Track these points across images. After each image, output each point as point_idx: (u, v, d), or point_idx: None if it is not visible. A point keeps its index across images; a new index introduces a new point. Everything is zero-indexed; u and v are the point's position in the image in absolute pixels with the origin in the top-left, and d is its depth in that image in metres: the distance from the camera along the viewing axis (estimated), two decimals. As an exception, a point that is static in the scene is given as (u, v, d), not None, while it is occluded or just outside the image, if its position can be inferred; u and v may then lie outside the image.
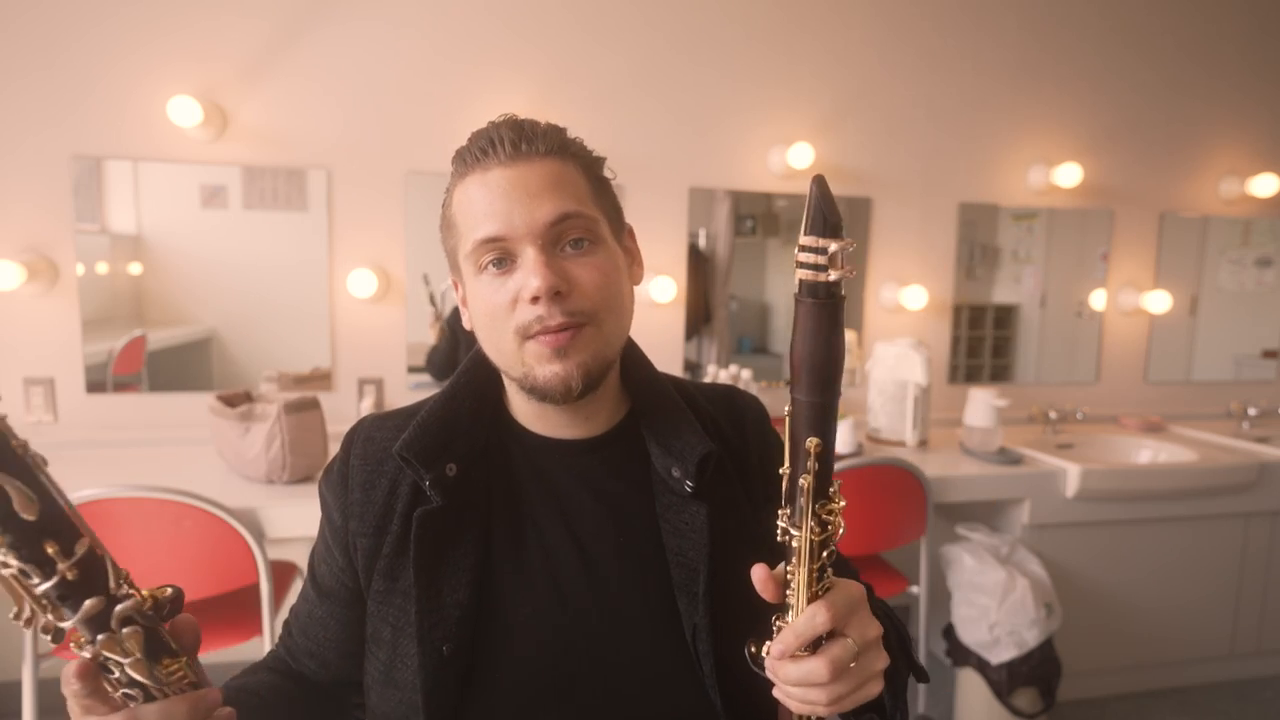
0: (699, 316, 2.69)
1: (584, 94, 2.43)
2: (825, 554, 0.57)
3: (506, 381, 0.79)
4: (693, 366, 2.70)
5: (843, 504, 0.57)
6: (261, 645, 1.73)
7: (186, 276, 2.27)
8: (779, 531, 0.59)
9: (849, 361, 2.61)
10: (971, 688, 2.18)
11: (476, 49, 2.35)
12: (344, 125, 2.30)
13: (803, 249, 0.49)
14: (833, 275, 0.49)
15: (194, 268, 2.27)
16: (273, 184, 2.28)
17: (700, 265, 2.66)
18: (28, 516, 0.43)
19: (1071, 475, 2.25)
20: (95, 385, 2.22)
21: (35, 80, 2.10)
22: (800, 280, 0.50)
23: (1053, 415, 2.74)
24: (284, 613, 1.56)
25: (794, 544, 0.57)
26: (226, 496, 1.68)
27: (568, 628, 0.73)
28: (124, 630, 0.48)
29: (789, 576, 0.59)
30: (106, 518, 1.56)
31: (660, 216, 2.53)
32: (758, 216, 2.76)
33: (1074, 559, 2.33)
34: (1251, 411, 2.92)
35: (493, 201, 0.69)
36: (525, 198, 0.69)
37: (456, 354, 2.43)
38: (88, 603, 0.46)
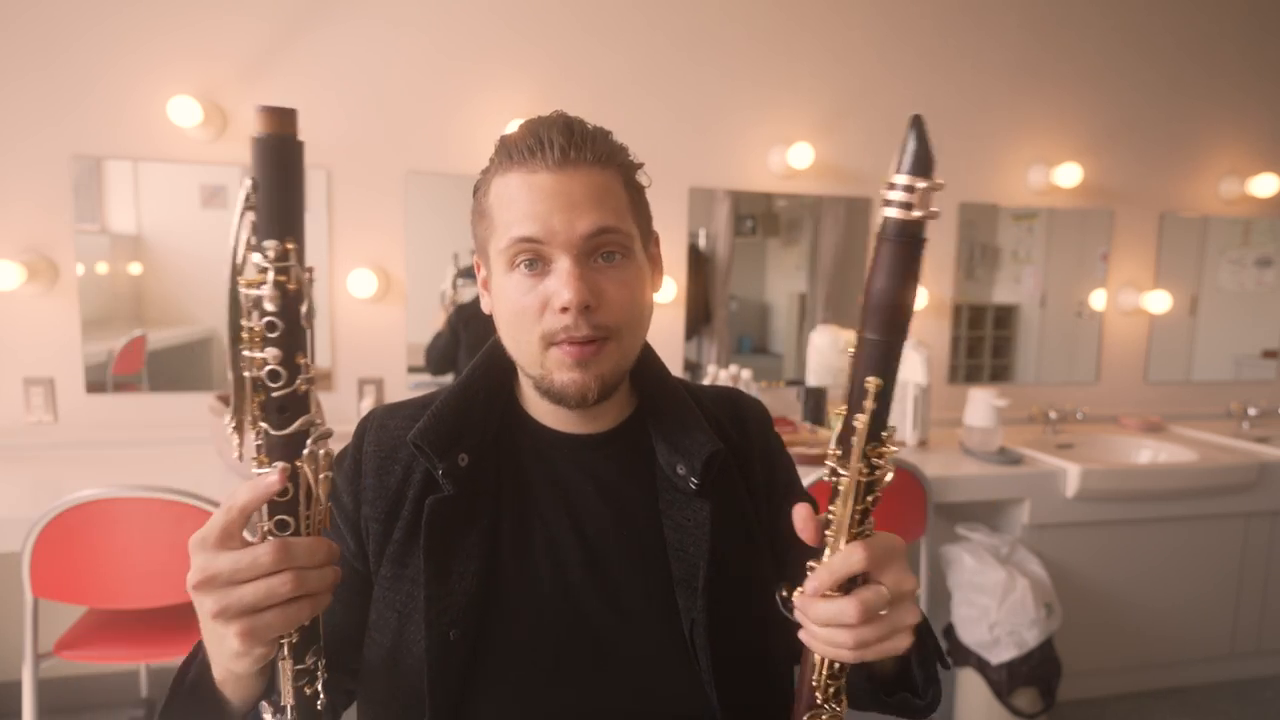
0: (699, 316, 2.69)
1: (584, 93, 2.43)
2: (870, 498, 0.56)
3: (521, 375, 0.80)
4: (693, 366, 2.70)
5: (895, 450, 0.56)
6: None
7: (186, 276, 2.27)
8: (827, 471, 0.58)
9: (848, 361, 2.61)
10: (971, 688, 2.18)
11: (476, 49, 2.35)
12: (344, 125, 2.30)
13: (892, 186, 0.49)
14: (918, 214, 0.49)
15: (194, 268, 2.27)
16: (273, 184, 2.28)
17: (700, 265, 2.66)
18: (304, 325, 0.53)
19: (1071, 475, 2.25)
20: (95, 385, 2.22)
21: (35, 80, 2.10)
22: (886, 218, 0.50)
23: (1053, 415, 2.74)
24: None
25: (840, 484, 0.56)
26: (226, 496, 1.67)
27: (570, 617, 0.74)
28: (321, 453, 0.54)
29: (830, 517, 0.58)
30: (106, 518, 1.56)
31: (660, 216, 2.50)
32: (758, 216, 2.76)
33: (1074, 559, 2.33)
34: (1251, 411, 2.92)
35: (534, 203, 0.70)
36: (567, 206, 0.70)
37: (455, 350, 2.43)
38: (303, 418, 0.53)
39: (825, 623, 0.58)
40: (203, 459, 2.06)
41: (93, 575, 1.59)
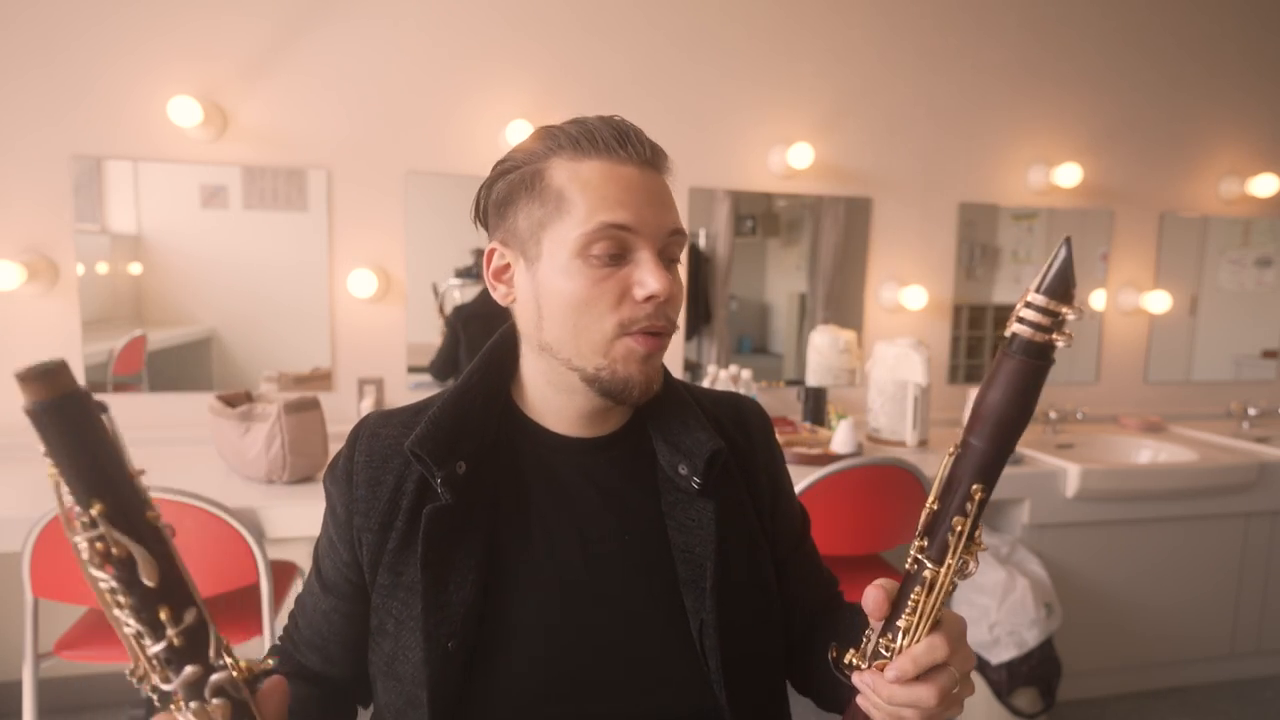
0: (699, 316, 2.69)
1: (584, 93, 2.43)
2: (951, 590, 0.59)
3: (529, 378, 0.79)
4: (693, 366, 2.70)
5: (984, 548, 0.59)
6: (262, 645, 1.73)
7: (186, 276, 2.27)
8: (909, 561, 0.59)
9: (849, 362, 2.61)
10: (971, 688, 2.18)
11: (477, 48, 2.35)
12: (344, 125, 2.30)
13: (1029, 306, 0.49)
14: (1058, 340, 0.50)
15: (194, 268, 2.27)
16: (273, 184, 2.28)
17: (700, 265, 2.66)
18: (149, 582, 0.47)
19: (1071, 475, 2.25)
20: (95, 385, 2.22)
21: (35, 80, 2.10)
22: (1015, 334, 0.50)
23: (1053, 415, 2.74)
24: (284, 612, 1.56)
25: (925, 574, 0.58)
26: (226, 496, 1.67)
27: (572, 624, 0.74)
28: (214, 701, 0.51)
29: (911, 602, 0.59)
30: (106, 518, 1.56)
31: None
32: (758, 216, 2.76)
33: (1074, 559, 2.33)
34: (1251, 411, 2.92)
35: (627, 193, 0.71)
36: (656, 203, 0.72)
37: (456, 352, 2.43)
38: (187, 670, 0.49)
39: (902, 704, 0.60)
40: (203, 459, 2.06)
41: (93, 575, 1.59)
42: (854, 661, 0.63)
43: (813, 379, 2.63)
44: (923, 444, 2.43)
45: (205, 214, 2.25)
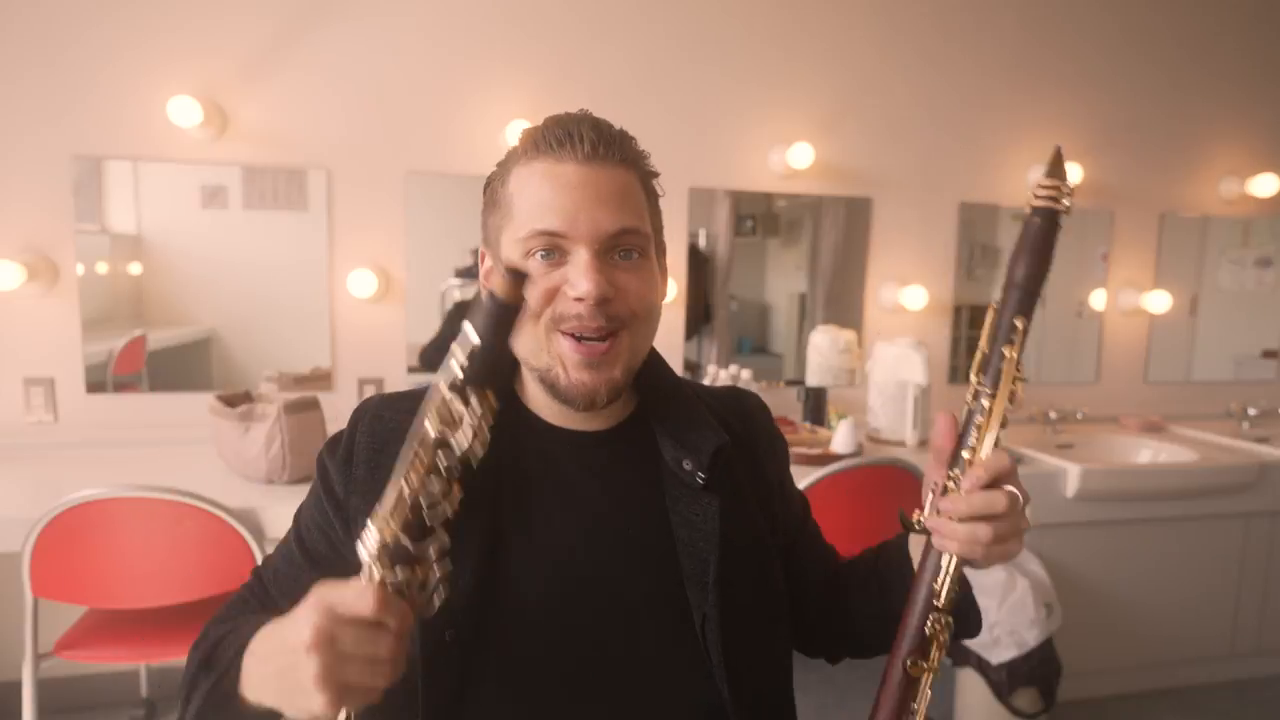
0: (699, 316, 2.69)
1: (584, 93, 2.43)
2: (1005, 422, 0.68)
3: (525, 370, 0.79)
4: (693, 366, 2.70)
5: (1026, 379, 0.68)
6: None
7: (186, 276, 2.27)
8: (969, 396, 0.68)
9: (849, 362, 2.61)
10: (971, 688, 2.18)
11: (477, 48, 2.35)
12: (344, 125, 2.30)
13: (1044, 186, 0.66)
14: (1064, 203, 0.66)
15: (194, 268, 2.27)
16: (273, 184, 2.28)
17: (700, 265, 2.66)
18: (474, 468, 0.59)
19: (1071, 475, 2.25)
20: (95, 385, 2.22)
21: (35, 80, 2.10)
22: (1036, 206, 0.66)
23: (1053, 415, 2.74)
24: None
25: (984, 401, 0.68)
26: (226, 496, 1.67)
27: (574, 616, 0.74)
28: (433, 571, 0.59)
29: (974, 432, 0.68)
30: (106, 518, 1.57)
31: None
32: (758, 216, 2.76)
33: (1074, 559, 2.33)
34: (1251, 411, 2.92)
35: (558, 196, 0.70)
36: (594, 202, 0.70)
37: (450, 345, 2.42)
38: (437, 544, 0.59)
39: (976, 513, 0.66)
40: (203, 459, 2.06)
41: (93, 575, 1.59)
42: (922, 515, 0.71)
43: (813, 379, 2.63)
44: (923, 444, 2.43)
45: (205, 214, 2.25)
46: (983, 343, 0.68)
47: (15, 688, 1.71)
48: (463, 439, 0.56)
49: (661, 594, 0.75)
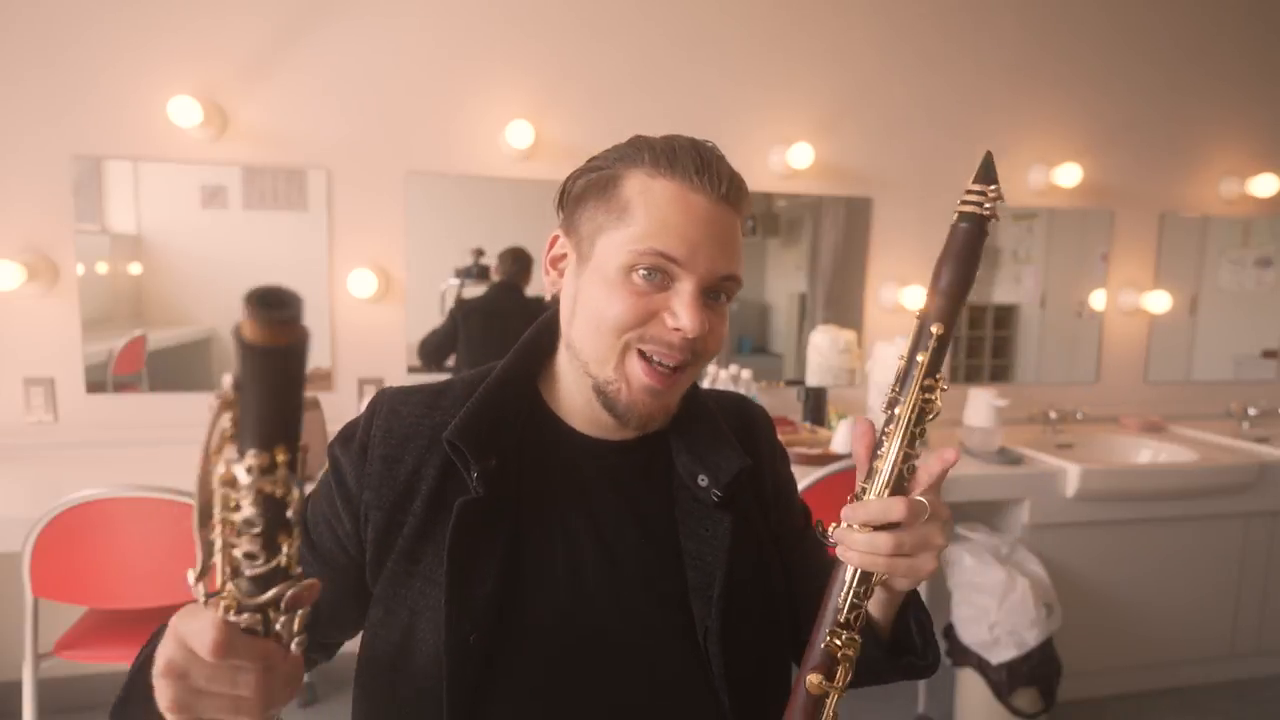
0: (699, 316, 2.68)
1: (584, 94, 2.43)
2: (919, 429, 0.66)
3: (561, 373, 0.79)
4: (693, 366, 2.69)
5: (945, 389, 0.67)
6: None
7: (186, 276, 2.27)
8: (884, 405, 0.67)
9: (849, 362, 2.61)
10: (971, 688, 2.18)
11: (477, 49, 2.35)
12: (344, 125, 2.30)
13: (971, 191, 0.66)
14: (989, 208, 0.66)
15: (194, 268, 2.27)
16: (273, 184, 2.28)
17: (700, 265, 2.65)
18: (293, 518, 0.49)
19: (1071, 475, 2.25)
20: (95, 385, 2.22)
21: (35, 80, 2.10)
22: (963, 211, 0.66)
23: (1053, 415, 2.74)
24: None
25: (896, 410, 0.66)
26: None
27: (586, 621, 0.74)
28: (284, 616, 0.52)
29: (884, 441, 0.66)
30: (106, 518, 1.57)
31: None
32: (758, 216, 2.76)
33: (1074, 559, 2.33)
34: (1251, 411, 2.92)
35: (688, 225, 0.70)
36: (715, 241, 0.71)
37: (451, 343, 2.42)
38: (276, 588, 0.50)
39: (872, 520, 0.63)
40: (203, 459, 2.06)
41: (93, 575, 1.59)
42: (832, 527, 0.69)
43: (813, 379, 2.63)
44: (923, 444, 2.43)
45: (205, 214, 2.25)
46: (904, 350, 0.68)
47: (15, 688, 1.72)
48: (247, 509, 0.47)
49: (668, 604, 0.76)
